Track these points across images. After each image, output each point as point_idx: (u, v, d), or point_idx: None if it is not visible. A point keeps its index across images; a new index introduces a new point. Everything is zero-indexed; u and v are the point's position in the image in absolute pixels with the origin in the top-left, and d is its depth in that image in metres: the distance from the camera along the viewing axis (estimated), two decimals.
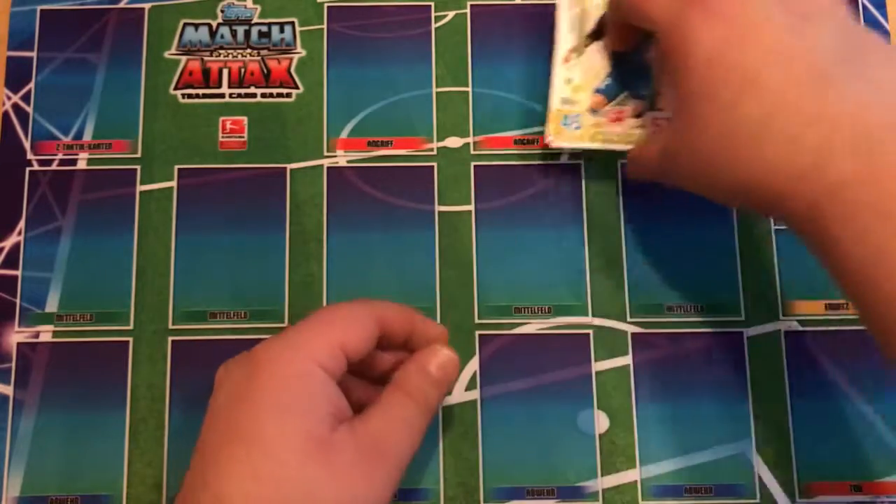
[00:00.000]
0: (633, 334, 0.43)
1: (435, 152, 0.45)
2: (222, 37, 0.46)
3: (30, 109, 0.45)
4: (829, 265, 0.32)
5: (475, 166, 0.45)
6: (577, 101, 0.42)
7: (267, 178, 0.45)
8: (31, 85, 0.46)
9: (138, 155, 0.45)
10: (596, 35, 0.42)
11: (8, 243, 0.44)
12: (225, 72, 0.46)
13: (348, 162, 0.45)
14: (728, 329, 0.43)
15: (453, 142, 0.45)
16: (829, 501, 0.41)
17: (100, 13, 0.46)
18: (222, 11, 0.47)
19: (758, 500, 0.41)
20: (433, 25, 0.47)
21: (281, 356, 0.33)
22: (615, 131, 0.41)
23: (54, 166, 0.45)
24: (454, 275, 0.43)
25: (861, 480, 0.41)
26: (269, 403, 0.32)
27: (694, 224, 0.44)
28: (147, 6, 0.47)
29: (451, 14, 0.47)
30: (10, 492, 0.41)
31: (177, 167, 0.45)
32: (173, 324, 0.43)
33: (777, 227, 0.44)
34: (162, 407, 0.42)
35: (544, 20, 0.45)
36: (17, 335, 0.42)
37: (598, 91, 0.42)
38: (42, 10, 0.46)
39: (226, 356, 0.35)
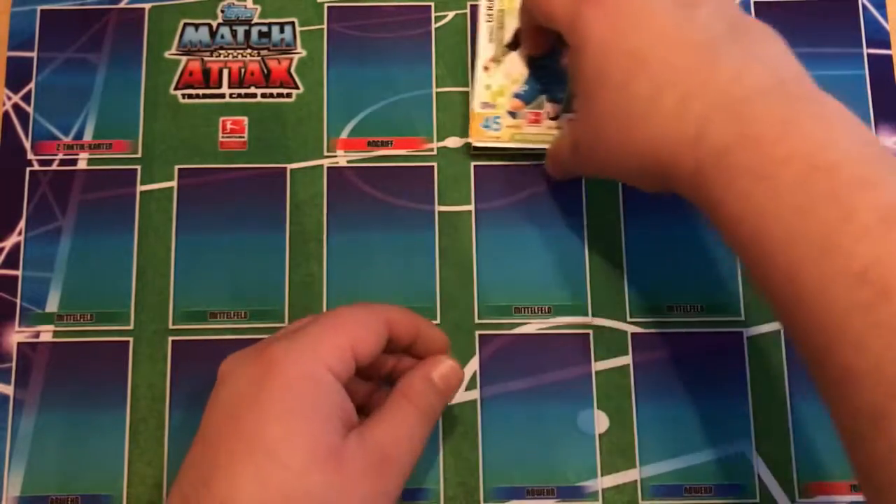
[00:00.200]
0: (633, 334, 0.43)
1: (435, 152, 0.45)
2: (222, 37, 0.46)
3: (30, 109, 0.45)
4: (717, 228, 0.33)
5: (475, 166, 0.45)
6: (497, 104, 0.44)
7: (267, 178, 0.45)
8: (32, 85, 0.46)
9: (138, 155, 0.45)
10: (513, 45, 0.45)
11: (8, 243, 0.44)
12: (225, 72, 0.46)
13: (348, 162, 0.45)
14: (728, 329, 0.43)
15: (453, 142, 0.45)
16: (828, 501, 0.41)
17: (100, 13, 0.47)
18: (222, 11, 0.47)
19: (757, 500, 0.41)
20: (433, 25, 0.47)
21: (293, 359, 0.33)
22: (532, 132, 0.44)
23: (55, 166, 0.45)
24: (454, 275, 0.43)
25: None
26: (280, 408, 0.31)
27: (694, 224, 0.44)
28: (147, 6, 0.47)
29: (451, 14, 0.47)
30: (11, 491, 0.41)
31: (177, 167, 0.45)
32: (173, 324, 0.43)
33: None
34: (162, 407, 0.42)
35: None
36: (18, 335, 0.43)
37: (516, 96, 0.44)
38: (42, 11, 0.47)
39: (226, 356, 0.35)
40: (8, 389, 0.42)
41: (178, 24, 0.46)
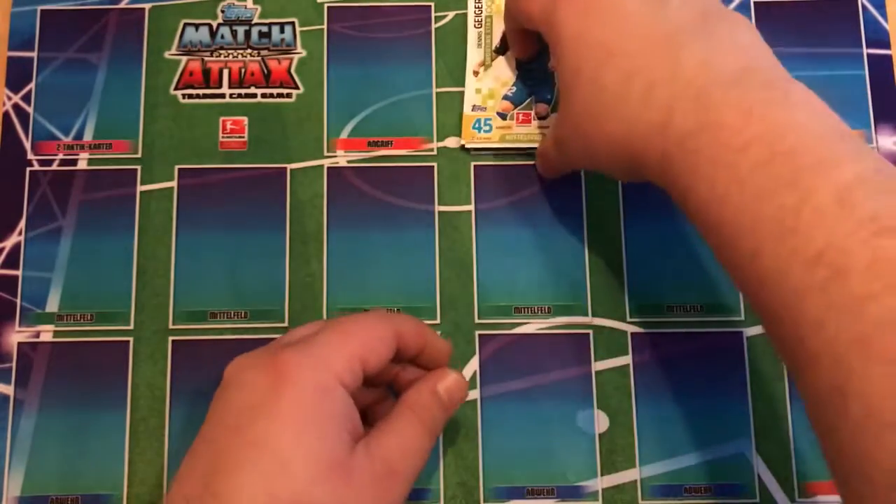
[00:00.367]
0: (633, 334, 0.43)
1: (435, 152, 0.45)
2: (223, 37, 0.46)
3: (30, 110, 0.45)
4: (686, 214, 0.33)
5: (475, 166, 0.45)
6: (487, 107, 0.45)
7: (267, 178, 0.45)
8: (32, 85, 0.46)
9: (139, 155, 0.45)
10: (501, 50, 0.46)
11: (8, 243, 0.44)
12: (225, 72, 0.46)
13: (348, 162, 0.45)
14: (728, 329, 0.43)
15: (453, 142, 0.45)
16: (828, 501, 0.41)
17: (100, 13, 0.47)
18: (223, 12, 0.47)
19: (757, 500, 0.41)
20: (433, 25, 0.47)
21: (305, 369, 0.32)
22: (522, 132, 0.45)
23: (55, 166, 0.45)
24: (454, 275, 0.43)
25: None
26: (292, 419, 0.31)
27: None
28: (147, 6, 0.47)
29: (451, 14, 0.47)
30: (11, 491, 0.41)
31: (177, 167, 0.45)
32: (173, 324, 0.43)
33: None
34: (162, 406, 0.42)
35: None
36: (18, 335, 0.43)
37: (505, 98, 0.45)
38: (42, 11, 0.47)
39: (226, 356, 0.35)
40: (8, 389, 0.42)
41: (178, 24, 0.47)
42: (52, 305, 0.43)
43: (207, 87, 0.46)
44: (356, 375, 0.34)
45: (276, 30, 0.47)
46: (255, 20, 0.47)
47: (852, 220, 0.27)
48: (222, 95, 0.46)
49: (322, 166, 0.45)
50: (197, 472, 0.32)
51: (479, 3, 0.47)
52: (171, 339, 0.42)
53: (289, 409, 0.32)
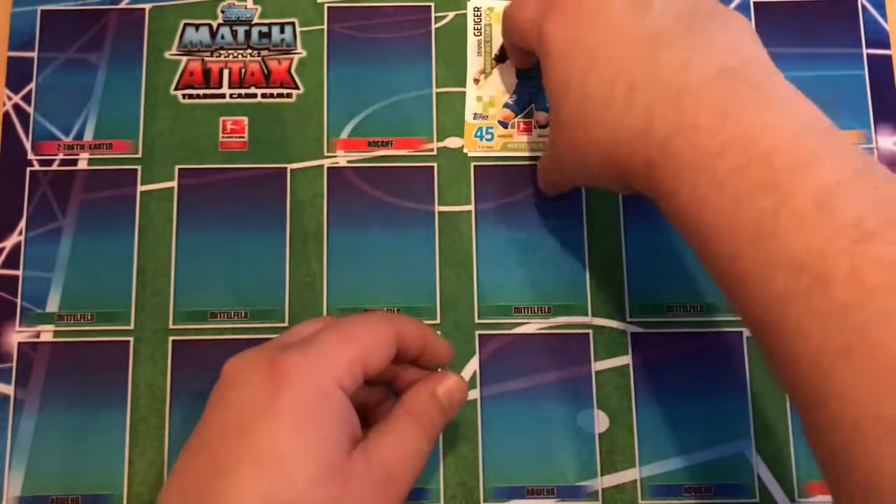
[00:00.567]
0: (633, 334, 0.43)
1: (435, 152, 0.45)
2: (223, 37, 0.46)
3: (30, 110, 0.45)
4: (669, 219, 0.33)
5: (475, 166, 0.45)
6: (488, 115, 0.45)
7: (267, 178, 0.45)
8: (32, 85, 0.46)
9: (139, 155, 0.45)
10: (500, 58, 0.46)
11: (9, 243, 0.44)
12: (225, 72, 0.46)
13: (348, 162, 0.45)
14: (728, 329, 0.43)
15: (453, 142, 0.45)
16: (828, 501, 0.40)
17: (100, 13, 0.47)
18: (223, 12, 0.47)
19: (757, 500, 0.41)
20: (433, 25, 0.47)
21: (306, 373, 0.32)
22: (523, 140, 0.45)
23: (55, 166, 0.45)
24: (454, 275, 0.43)
25: None
26: (291, 423, 0.31)
27: None
28: (148, 6, 0.47)
29: (451, 14, 0.47)
30: (11, 491, 0.41)
31: (177, 167, 0.45)
32: (173, 324, 0.43)
33: None
34: (162, 406, 0.42)
35: None
36: (18, 335, 0.43)
37: (506, 106, 0.46)
38: (43, 11, 0.47)
39: (226, 356, 0.34)
40: (8, 389, 0.42)
41: (178, 24, 0.47)
42: (53, 305, 0.43)
43: (208, 87, 0.46)
44: (356, 378, 0.33)
45: (276, 30, 0.47)
46: (256, 20, 0.47)
47: (831, 225, 0.27)
48: (222, 95, 0.46)
49: (322, 166, 0.45)
50: (194, 472, 0.32)
51: (478, 11, 0.47)
52: (171, 339, 0.42)
53: (287, 413, 0.31)
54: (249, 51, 0.46)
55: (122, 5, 0.47)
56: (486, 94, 0.46)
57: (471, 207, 0.44)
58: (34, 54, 0.46)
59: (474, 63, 0.46)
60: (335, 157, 0.45)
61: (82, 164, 0.45)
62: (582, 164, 0.37)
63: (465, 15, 0.47)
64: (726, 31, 0.34)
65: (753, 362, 0.42)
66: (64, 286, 0.43)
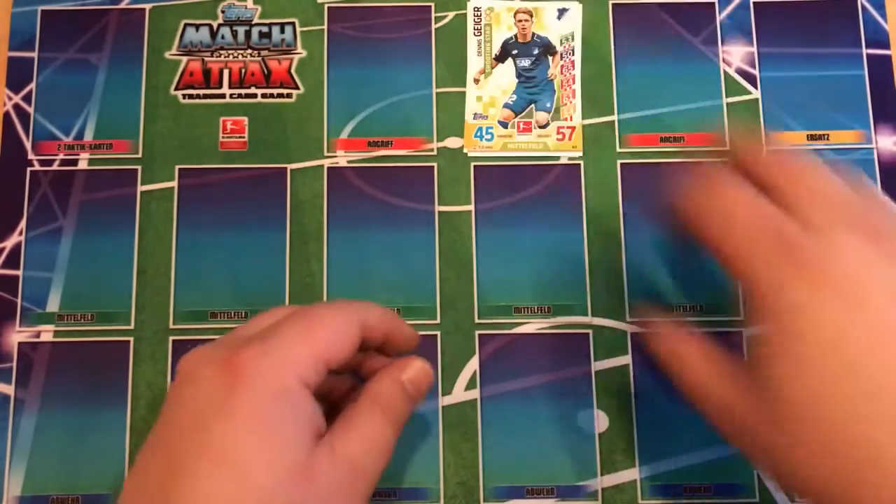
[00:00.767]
0: (633, 334, 0.43)
1: (435, 152, 0.45)
2: (223, 37, 0.46)
3: (31, 110, 0.45)
4: None
5: (475, 166, 0.45)
6: (488, 115, 0.45)
7: (267, 178, 0.45)
8: (32, 85, 0.46)
9: (139, 155, 0.45)
10: (500, 58, 0.46)
11: (9, 243, 0.44)
12: (225, 72, 0.46)
13: (348, 162, 0.45)
14: (728, 329, 0.43)
15: (453, 142, 0.45)
16: None
17: (101, 14, 0.47)
18: (223, 12, 0.47)
19: (757, 500, 0.41)
20: (433, 26, 0.47)
21: (264, 369, 0.31)
22: (523, 140, 0.45)
23: (55, 166, 0.45)
24: (454, 275, 0.43)
25: None
26: (249, 423, 0.30)
27: None
28: (148, 7, 0.47)
29: (451, 14, 0.47)
30: (12, 491, 0.41)
31: (177, 167, 0.45)
32: (174, 323, 0.43)
33: None
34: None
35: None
36: (18, 335, 0.43)
37: (506, 106, 0.46)
38: (43, 11, 0.47)
39: None
40: (8, 389, 0.42)
41: (178, 24, 0.47)
42: (53, 305, 0.43)
43: (208, 87, 0.46)
44: (319, 372, 0.32)
45: (276, 30, 0.47)
46: (256, 20, 0.47)
47: None
48: (222, 95, 0.46)
49: (322, 166, 0.45)
50: (152, 472, 0.31)
51: (478, 11, 0.47)
52: (171, 339, 0.43)
53: (246, 414, 0.30)
54: (249, 51, 0.46)
55: (122, 5, 0.47)
56: (486, 94, 0.46)
57: (471, 207, 0.44)
58: (34, 54, 0.46)
59: (474, 63, 0.46)
60: (335, 157, 0.45)
61: (82, 164, 0.45)
62: (802, 473, 0.30)
63: (465, 15, 0.47)
64: None
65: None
66: (64, 286, 0.43)
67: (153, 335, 0.43)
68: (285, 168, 0.45)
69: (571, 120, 0.45)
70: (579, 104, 0.46)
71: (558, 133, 0.45)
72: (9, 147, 0.45)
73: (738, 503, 0.41)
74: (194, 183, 0.45)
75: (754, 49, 0.46)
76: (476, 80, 0.46)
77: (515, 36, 0.47)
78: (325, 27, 0.47)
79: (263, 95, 0.46)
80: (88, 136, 0.45)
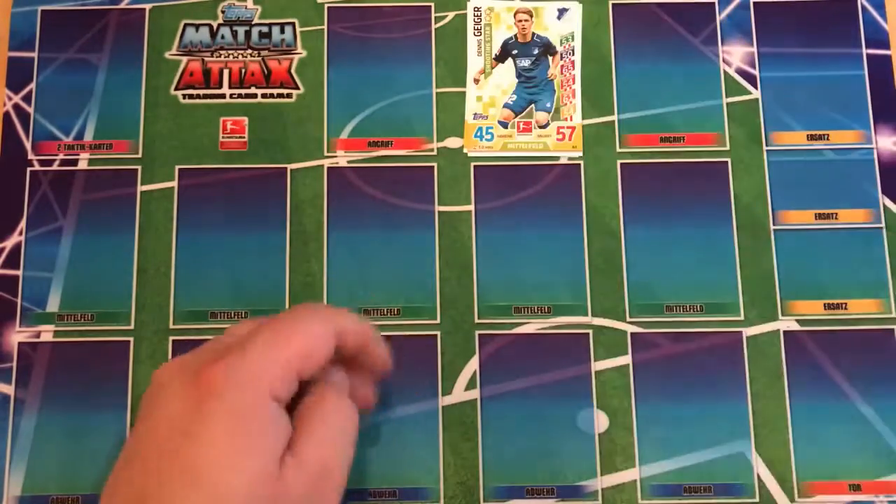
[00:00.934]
0: (633, 334, 0.43)
1: (435, 152, 0.45)
2: (223, 37, 0.46)
3: (31, 110, 0.45)
4: None
5: (475, 166, 0.45)
6: (488, 115, 0.45)
7: (267, 178, 0.45)
8: (32, 85, 0.46)
9: (139, 155, 0.45)
10: (500, 58, 0.46)
11: (9, 243, 0.44)
12: (225, 72, 0.46)
13: (348, 162, 0.45)
14: (727, 329, 0.43)
15: (453, 142, 0.45)
16: (827, 500, 0.41)
17: (101, 14, 0.47)
18: (223, 12, 0.47)
19: (757, 500, 0.41)
20: (433, 26, 0.47)
21: (235, 386, 0.31)
22: (523, 140, 0.45)
23: (55, 166, 0.45)
24: (454, 275, 0.43)
25: (860, 479, 0.41)
26: (221, 442, 0.30)
27: (694, 224, 0.44)
28: (148, 7, 0.47)
29: (451, 14, 0.47)
30: (12, 491, 0.41)
31: (177, 167, 0.45)
32: (174, 323, 0.43)
33: (776, 227, 0.44)
34: None
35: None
36: (18, 335, 0.43)
37: (506, 106, 0.46)
38: (43, 11, 0.47)
39: None
40: (8, 389, 0.42)
41: (178, 24, 0.47)
42: (53, 305, 0.43)
43: (208, 87, 0.46)
44: (290, 385, 0.32)
45: (276, 30, 0.47)
46: (256, 20, 0.47)
47: None
48: (222, 96, 0.46)
49: (322, 166, 0.45)
50: (129, 485, 0.31)
51: (478, 11, 0.47)
52: (171, 338, 0.43)
53: (217, 430, 0.30)
54: (249, 51, 0.46)
55: (122, 5, 0.47)
56: (486, 94, 0.46)
57: (471, 207, 0.44)
58: (34, 54, 0.46)
59: (474, 63, 0.46)
60: (335, 157, 0.45)
61: (82, 164, 0.45)
62: None
63: (465, 15, 0.47)
64: None
65: (753, 362, 0.42)
66: (64, 286, 0.43)
67: (153, 335, 0.43)
68: (285, 168, 0.45)
69: (571, 120, 0.45)
70: (579, 104, 0.46)
71: (558, 133, 0.45)
72: (9, 147, 0.45)
73: (737, 503, 0.41)
74: (194, 183, 0.45)
75: (754, 49, 0.46)
76: (476, 80, 0.46)
77: (515, 36, 0.47)
78: (325, 27, 0.47)
79: (263, 95, 0.46)
80: (88, 136, 0.45)
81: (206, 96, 0.46)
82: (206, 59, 0.46)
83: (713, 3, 0.47)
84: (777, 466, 0.41)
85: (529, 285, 0.43)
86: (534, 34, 0.47)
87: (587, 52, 0.46)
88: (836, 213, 0.44)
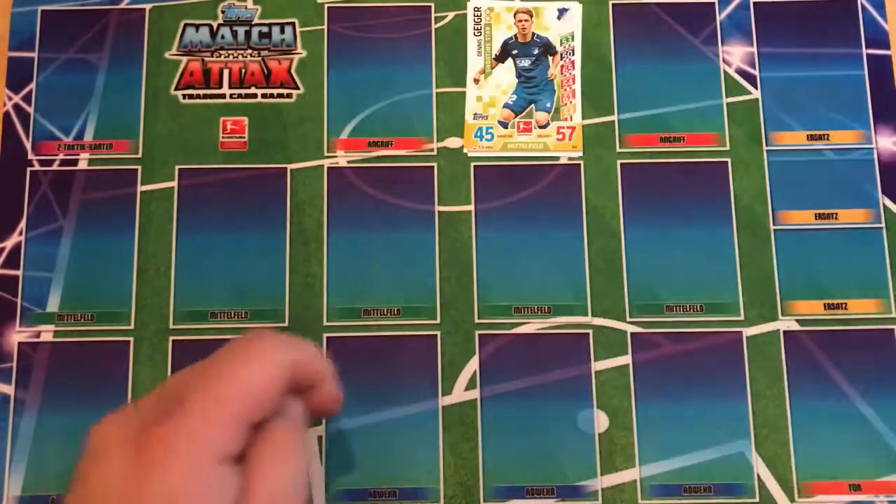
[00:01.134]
0: (633, 334, 0.43)
1: (435, 152, 0.45)
2: (223, 37, 0.46)
3: (31, 110, 0.45)
4: None
5: (475, 166, 0.45)
6: (488, 115, 0.45)
7: (267, 178, 0.45)
8: (32, 85, 0.46)
9: (139, 155, 0.45)
10: (500, 58, 0.46)
11: (9, 243, 0.44)
12: (225, 72, 0.46)
13: (348, 162, 0.45)
14: (727, 329, 0.43)
15: (453, 142, 0.45)
16: (827, 501, 0.41)
17: (101, 14, 0.47)
18: (223, 12, 0.47)
19: (757, 500, 0.41)
20: (433, 26, 0.47)
21: (174, 456, 0.28)
22: (523, 140, 0.45)
23: (55, 166, 0.45)
24: (454, 275, 0.43)
25: (860, 479, 0.41)
26: None
27: (694, 224, 0.44)
28: (148, 7, 0.47)
29: (451, 14, 0.47)
30: (12, 491, 0.41)
31: (177, 167, 0.45)
32: (174, 324, 0.43)
33: (776, 227, 0.44)
34: None
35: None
36: (19, 335, 0.43)
37: (506, 106, 0.46)
38: (43, 11, 0.47)
39: None
40: (8, 389, 0.42)
41: (178, 24, 0.47)
42: (53, 305, 0.43)
43: (208, 87, 0.46)
44: (240, 436, 0.30)
45: (276, 30, 0.47)
46: (256, 20, 0.47)
47: None
48: (222, 96, 0.46)
49: (322, 166, 0.45)
50: None
51: (478, 11, 0.47)
52: (171, 339, 0.43)
53: (158, 500, 0.28)
54: (249, 51, 0.46)
55: (122, 5, 0.47)
56: (486, 94, 0.46)
57: (471, 207, 0.44)
58: (34, 54, 0.46)
59: (474, 63, 0.46)
60: (335, 157, 0.45)
61: (82, 165, 0.45)
62: None
63: (465, 15, 0.47)
64: None
65: (753, 362, 0.42)
66: (64, 286, 0.43)
67: (153, 335, 0.43)
68: (285, 168, 0.45)
69: (571, 120, 0.45)
70: (579, 104, 0.46)
71: (558, 133, 0.45)
72: (9, 147, 0.45)
73: (737, 503, 0.41)
74: (194, 183, 0.45)
75: (754, 49, 0.46)
76: (476, 80, 0.46)
77: (515, 36, 0.47)
78: (325, 27, 0.47)
79: (263, 95, 0.46)
80: (88, 137, 0.45)
81: (206, 96, 0.46)
82: (206, 59, 0.46)
83: (713, 3, 0.47)
84: (777, 466, 0.41)
85: (529, 285, 0.43)
86: (534, 34, 0.47)
87: (587, 52, 0.46)
88: (836, 213, 0.44)
